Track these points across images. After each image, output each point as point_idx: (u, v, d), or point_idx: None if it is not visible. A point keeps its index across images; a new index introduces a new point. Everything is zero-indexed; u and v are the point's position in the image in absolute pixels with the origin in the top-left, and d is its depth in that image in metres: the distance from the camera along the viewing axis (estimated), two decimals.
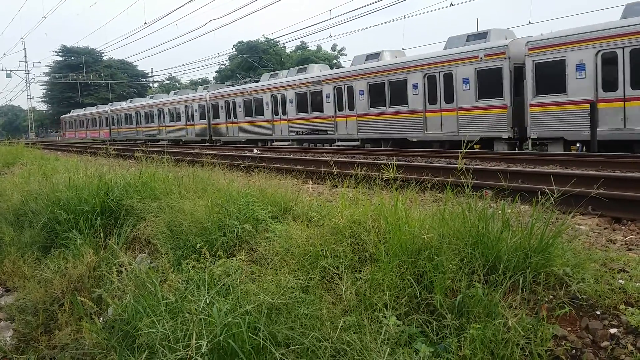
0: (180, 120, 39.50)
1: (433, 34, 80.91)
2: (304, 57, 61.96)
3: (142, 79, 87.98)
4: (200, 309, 3.72)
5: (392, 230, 4.24)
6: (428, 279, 3.80)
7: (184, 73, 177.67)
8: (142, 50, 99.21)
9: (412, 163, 11.89)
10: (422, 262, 3.88)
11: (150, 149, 17.47)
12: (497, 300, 3.42)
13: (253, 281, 4.34)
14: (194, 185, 7.55)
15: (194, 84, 69.83)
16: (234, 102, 33.03)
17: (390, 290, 3.75)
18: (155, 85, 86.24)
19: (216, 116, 34.95)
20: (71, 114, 66.09)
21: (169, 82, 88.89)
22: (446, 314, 3.49)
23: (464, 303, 3.52)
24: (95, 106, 62.74)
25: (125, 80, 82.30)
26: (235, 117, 32.97)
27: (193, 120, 37.65)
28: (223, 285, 4.17)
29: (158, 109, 42.61)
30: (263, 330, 3.58)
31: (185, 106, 38.64)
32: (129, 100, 53.33)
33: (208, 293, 3.92)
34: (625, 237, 5.24)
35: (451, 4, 25.87)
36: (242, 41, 65.39)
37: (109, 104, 58.80)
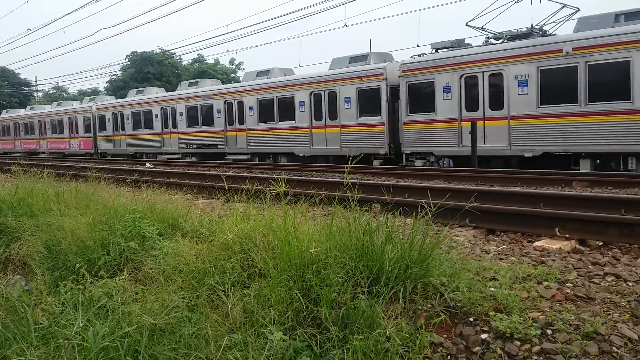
0: (292, 120, 22.91)
1: (329, 52, 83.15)
2: (202, 70, 60.96)
3: (25, 88, 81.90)
4: (74, 333, 3.50)
5: (280, 245, 4.24)
6: (315, 293, 3.83)
7: (72, 83, 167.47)
8: (25, 58, 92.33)
9: (304, 177, 12.03)
10: (310, 276, 3.90)
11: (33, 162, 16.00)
12: (378, 311, 3.53)
13: (136, 301, 4.15)
14: (76, 201, 7.15)
15: (83, 94, 66.09)
16: (445, 87, 17.92)
17: (278, 305, 3.74)
18: (40, 94, 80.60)
19: (415, 107, 18.83)
20: (5, 114, 46.48)
21: (55, 91, 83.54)
22: (331, 326, 3.54)
23: (348, 315, 3.59)
24: (56, 102, 44.30)
25: (5, 89, 76.18)
26: (476, 108, 17.32)
27: (336, 118, 21.34)
28: (102, 306, 3.96)
29: (227, 101, 25.88)
30: (143, 353, 3.43)
31: (312, 93, 22.00)
32: (134, 92, 34.70)
33: (84, 316, 3.69)
34: (498, 247, 5.64)
35: (345, 25, 26.79)
36: (136, 51, 63.09)
37: (88, 97, 40.60)
